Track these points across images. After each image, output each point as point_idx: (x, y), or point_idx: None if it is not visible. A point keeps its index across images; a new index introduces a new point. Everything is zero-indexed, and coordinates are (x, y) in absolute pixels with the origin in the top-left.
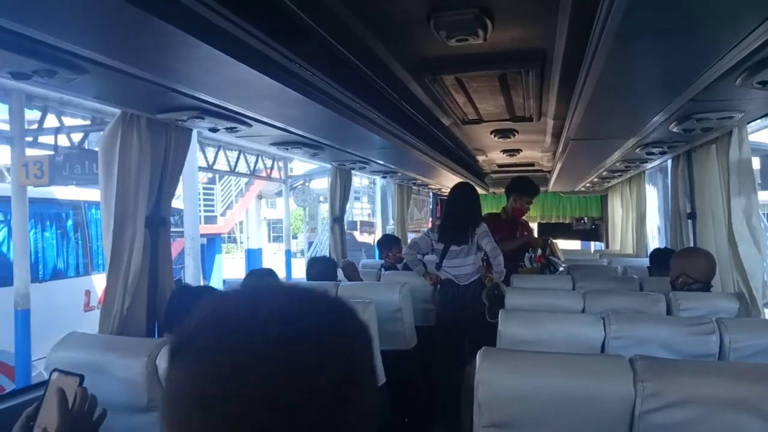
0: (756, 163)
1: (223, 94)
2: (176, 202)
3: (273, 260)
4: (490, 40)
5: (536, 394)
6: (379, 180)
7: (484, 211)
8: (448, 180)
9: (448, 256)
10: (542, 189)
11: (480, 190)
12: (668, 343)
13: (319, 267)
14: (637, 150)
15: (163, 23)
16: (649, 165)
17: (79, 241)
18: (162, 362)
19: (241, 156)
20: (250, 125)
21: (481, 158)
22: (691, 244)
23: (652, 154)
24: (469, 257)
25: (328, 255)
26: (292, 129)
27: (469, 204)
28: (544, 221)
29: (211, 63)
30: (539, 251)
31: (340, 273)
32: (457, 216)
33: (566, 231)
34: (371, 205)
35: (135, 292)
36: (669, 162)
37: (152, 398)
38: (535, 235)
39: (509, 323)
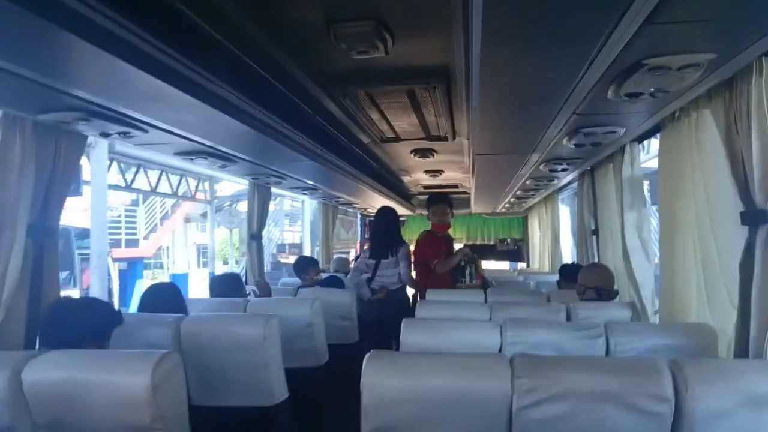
0: (646, 184)
1: (108, 93)
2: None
3: (201, 286)
4: (392, 55)
5: (420, 395)
6: (308, 201)
7: (412, 232)
8: (374, 200)
9: (380, 267)
10: (466, 211)
11: (406, 211)
12: (560, 347)
13: (224, 284)
14: (541, 167)
15: (34, 16)
16: (558, 183)
17: None
18: (29, 376)
19: (164, 175)
20: (146, 131)
21: (406, 179)
22: (596, 259)
23: (556, 170)
24: (395, 269)
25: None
26: (194, 137)
27: (392, 226)
28: (469, 242)
29: (89, 59)
30: (475, 268)
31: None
32: (381, 236)
33: (491, 252)
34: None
35: (12, 304)
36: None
37: (16, 416)
38: None
39: (411, 331)
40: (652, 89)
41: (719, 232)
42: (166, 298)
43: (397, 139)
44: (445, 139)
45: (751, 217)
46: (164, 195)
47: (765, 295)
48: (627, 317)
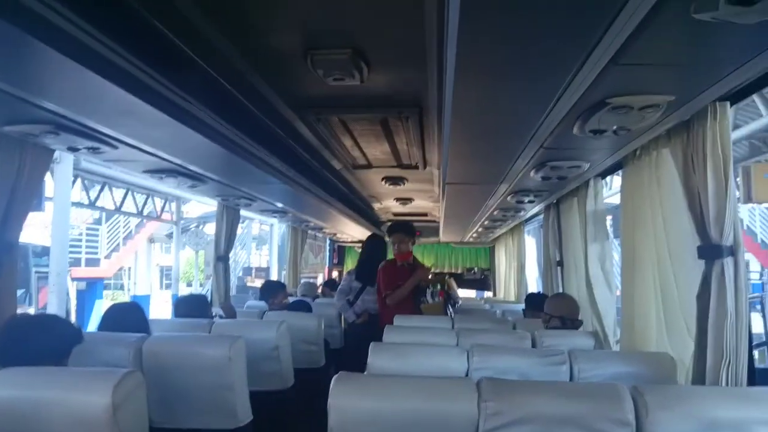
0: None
1: (79, 106)
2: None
3: (164, 308)
4: (367, 83)
5: (388, 417)
6: (276, 224)
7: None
8: (344, 226)
9: (365, 293)
10: (434, 239)
11: None
12: (526, 372)
13: (189, 306)
14: (509, 198)
15: (4, 23)
16: (525, 215)
17: None
18: None
19: (129, 194)
20: (116, 147)
21: (376, 206)
22: (560, 289)
23: (522, 202)
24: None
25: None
26: (164, 155)
27: (380, 254)
28: (437, 270)
29: (60, 70)
30: (439, 286)
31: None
32: (368, 263)
33: (458, 280)
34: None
35: None
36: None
37: None
38: None
39: (378, 356)
40: (615, 127)
41: (678, 265)
42: (129, 318)
43: (369, 166)
44: (416, 167)
45: (707, 251)
46: (129, 214)
47: (720, 325)
48: (590, 345)
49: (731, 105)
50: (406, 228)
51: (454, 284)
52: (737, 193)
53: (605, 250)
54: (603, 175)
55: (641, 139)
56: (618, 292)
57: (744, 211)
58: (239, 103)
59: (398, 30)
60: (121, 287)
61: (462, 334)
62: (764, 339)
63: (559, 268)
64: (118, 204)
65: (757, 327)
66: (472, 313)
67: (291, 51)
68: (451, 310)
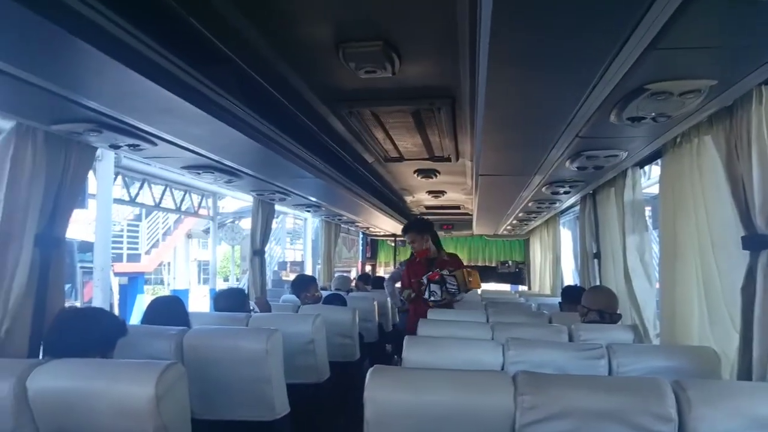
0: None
1: (121, 105)
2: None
3: (202, 303)
4: (399, 75)
5: (423, 410)
6: (310, 219)
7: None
8: (376, 219)
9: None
10: (468, 232)
11: None
12: (562, 366)
13: (228, 300)
14: (543, 189)
15: (52, 25)
16: (560, 206)
17: None
18: (34, 384)
19: (168, 191)
20: (155, 144)
21: (408, 199)
22: (597, 282)
23: (557, 193)
24: None
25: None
26: (202, 151)
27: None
28: (471, 264)
29: (104, 70)
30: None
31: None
32: None
33: (492, 274)
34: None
35: (17, 313)
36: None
37: (20, 424)
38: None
39: (413, 349)
40: (654, 114)
41: (720, 256)
42: (170, 311)
43: (401, 158)
44: (449, 160)
45: (753, 241)
46: (168, 210)
47: (767, 318)
48: (629, 339)
49: None
50: (418, 226)
51: (473, 278)
52: None
53: (644, 242)
54: (641, 164)
55: (681, 126)
56: (657, 285)
57: None
58: (273, 98)
59: (430, 20)
60: (161, 282)
61: (497, 327)
62: None
63: (596, 260)
64: (157, 200)
65: None
66: (503, 305)
67: (323, 45)
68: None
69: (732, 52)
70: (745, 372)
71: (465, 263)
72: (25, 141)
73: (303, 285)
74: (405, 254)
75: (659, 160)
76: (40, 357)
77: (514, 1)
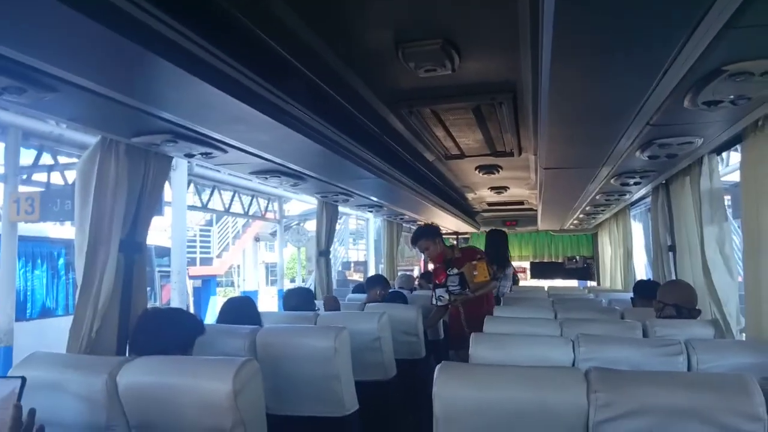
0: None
1: (194, 115)
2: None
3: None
4: (459, 72)
5: (493, 407)
6: (372, 219)
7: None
8: (438, 217)
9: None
10: (532, 228)
11: (471, 229)
12: (637, 364)
13: (297, 298)
14: (612, 180)
15: (131, 44)
16: (630, 198)
17: (71, 280)
18: (123, 379)
19: (236, 196)
20: (226, 151)
21: (470, 196)
22: (673, 276)
23: (627, 184)
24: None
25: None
26: (269, 156)
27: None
28: (536, 260)
29: (178, 83)
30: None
31: (321, 306)
32: (493, 254)
33: (559, 270)
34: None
35: (106, 314)
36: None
37: (112, 416)
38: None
39: (480, 346)
40: (733, 96)
41: None
42: (243, 310)
43: (462, 155)
44: (511, 154)
45: None
46: (236, 215)
47: None
48: (710, 335)
49: None
50: (428, 232)
51: (474, 272)
52: None
53: (724, 233)
54: (719, 150)
55: (764, 108)
56: (740, 278)
57: None
58: (335, 102)
59: (489, 14)
60: (232, 284)
61: (566, 324)
62: None
63: (670, 253)
64: (226, 206)
65: None
66: (572, 301)
67: (383, 47)
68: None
69: None
70: None
71: (530, 259)
72: (109, 154)
73: (377, 282)
74: None
75: (738, 146)
76: (127, 355)
77: None
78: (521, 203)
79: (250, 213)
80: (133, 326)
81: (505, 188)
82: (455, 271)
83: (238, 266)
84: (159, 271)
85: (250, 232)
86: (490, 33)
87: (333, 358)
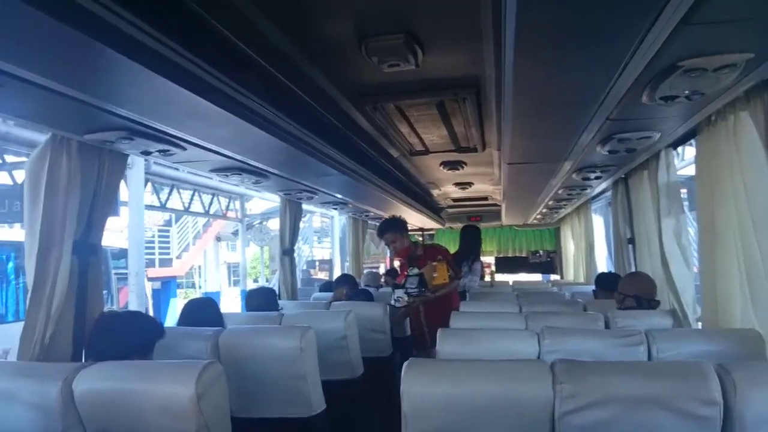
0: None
1: (151, 111)
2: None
3: (233, 304)
4: (422, 67)
5: (461, 402)
6: (337, 216)
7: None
8: (403, 213)
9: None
10: (496, 223)
11: (436, 225)
12: (600, 355)
13: (260, 298)
14: (573, 175)
15: (83, 36)
16: (591, 192)
17: (21, 285)
18: (79, 386)
19: (196, 195)
20: (184, 148)
21: (435, 192)
22: (633, 268)
23: (588, 179)
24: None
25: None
26: (230, 153)
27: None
28: (501, 255)
29: (133, 77)
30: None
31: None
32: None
33: (523, 265)
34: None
35: (59, 318)
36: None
37: (68, 425)
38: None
39: (447, 341)
40: (688, 92)
41: (763, 236)
42: (204, 312)
43: (427, 151)
44: (475, 150)
45: None
46: (197, 214)
47: None
48: (668, 325)
49: None
50: (395, 224)
51: (434, 273)
52: None
53: (681, 225)
54: (675, 145)
55: (716, 103)
56: (696, 269)
57: None
58: (297, 97)
59: (451, 8)
60: (193, 285)
61: (531, 317)
62: None
63: (630, 245)
64: (186, 205)
65: None
66: (536, 295)
67: (345, 41)
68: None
69: None
70: None
71: (495, 254)
72: (60, 152)
73: (345, 281)
74: None
75: (693, 140)
76: (83, 360)
77: None
78: (485, 199)
79: (211, 212)
80: (89, 331)
81: (470, 184)
82: (415, 271)
83: (200, 267)
84: (116, 274)
85: (211, 231)
86: (453, 28)
87: (299, 357)
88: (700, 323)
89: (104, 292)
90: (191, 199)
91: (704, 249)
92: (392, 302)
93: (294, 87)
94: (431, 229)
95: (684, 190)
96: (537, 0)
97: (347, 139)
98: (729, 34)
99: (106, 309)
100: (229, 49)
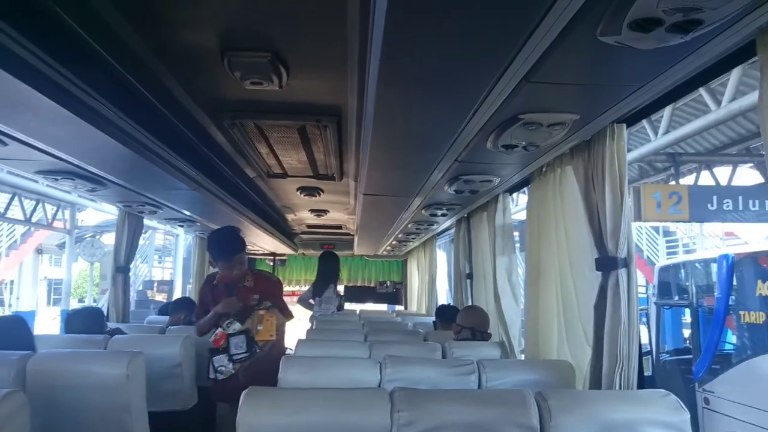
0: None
1: None
2: None
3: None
4: (286, 89)
5: (300, 431)
6: (182, 234)
7: (293, 271)
8: (256, 237)
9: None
10: (348, 252)
11: (289, 251)
12: (437, 382)
13: (84, 321)
14: (423, 211)
15: None
16: (437, 228)
17: None
18: None
19: (16, 199)
20: (5, 143)
21: (290, 216)
22: (470, 301)
23: (435, 215)
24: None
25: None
26: (62, 155)
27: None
28: (350, 284)
29: None
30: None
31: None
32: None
33: (371, 294)
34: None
35: None
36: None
37: None
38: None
39: (289, 370)
40: (525, 143)
41: (577, 277)
42: (10, 333)
43: (285, 175)
44: (333, 178)
45: (604, 263)
46: (14, 221)
47: (615, 332)
48: (497, 355)
49: (627, 127)
50: (242, 243)
51: (259, 325)
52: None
53: (512, 263)
54: (511, 190)
55: (548, 155)
56: (522, 305)
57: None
58: (149, 102)
59: (320, 38)
60: (2, 303)
61: (374, 346)
62: (648, 348)
63: (468, 280)
64: (1, 210)
65: (643, 338)
66: (380, 323)
67: (206, 51)
68: None
69: (593, 89)
70: (595, 382)
71: (345, 283)
72: None
73: (184, 305)
74: (284, 274)
75: (526, 188)
76: None
77: (405, 26)
78: (339, 227)
79: (34, 220)
80: None
81: (326, 211)
82: (237, 326)
83: (12, 282)
84: None
85: (32, 242)
86: (321, 56)
87: (124, 386)
88: (523, 355)
89: None
90: (9, 203)
91: (530, 287)
92: (210, 375)
93: (146, 92)
94: (283, 255)
95: (516, 233)
96: (400, 40)
97: (200, 153)
98: (561, 95)
99: None
100: (72, 38)
